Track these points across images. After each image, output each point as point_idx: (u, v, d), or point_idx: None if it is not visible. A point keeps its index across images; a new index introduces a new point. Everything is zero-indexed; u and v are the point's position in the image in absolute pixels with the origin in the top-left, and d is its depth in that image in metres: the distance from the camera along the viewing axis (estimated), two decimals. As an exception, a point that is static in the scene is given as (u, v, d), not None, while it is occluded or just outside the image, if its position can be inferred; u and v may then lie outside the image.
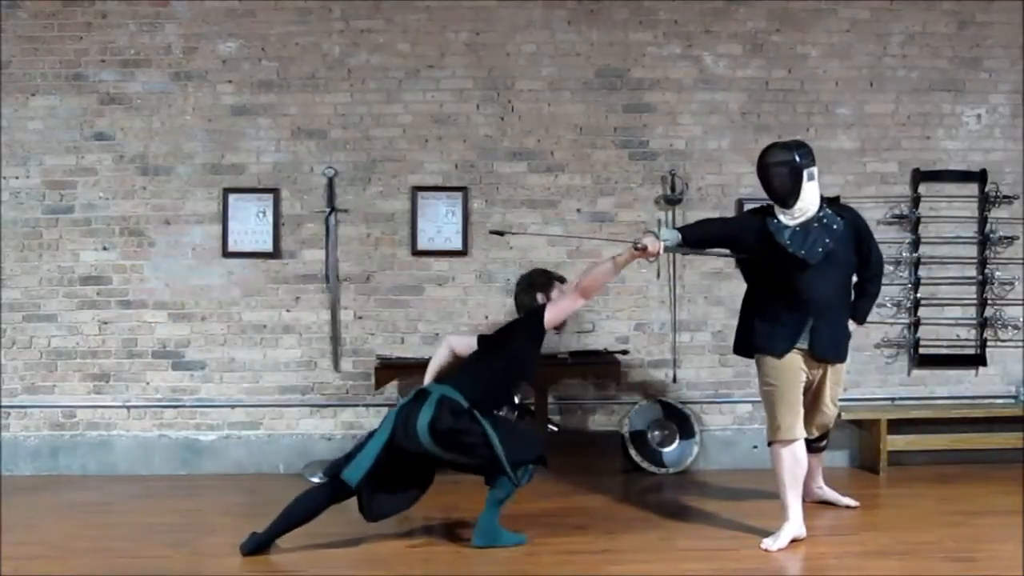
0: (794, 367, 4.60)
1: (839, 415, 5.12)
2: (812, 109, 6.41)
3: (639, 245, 4.54)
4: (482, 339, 4.81)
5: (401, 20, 6.31)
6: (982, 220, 6.41)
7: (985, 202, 6.40)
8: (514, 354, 4.64)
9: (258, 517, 4.68)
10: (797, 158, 4.48)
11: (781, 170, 4.50)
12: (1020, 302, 6.41)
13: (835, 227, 4.55)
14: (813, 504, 5.12)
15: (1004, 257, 6.41)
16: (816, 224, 4.54)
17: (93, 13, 6.26)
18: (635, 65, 6.37)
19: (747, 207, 6.25)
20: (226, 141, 6.29)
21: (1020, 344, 6.43)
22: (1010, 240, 6.39)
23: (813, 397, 4.81)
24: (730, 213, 6.36)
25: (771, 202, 4.64)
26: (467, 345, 4.83)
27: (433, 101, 6.33)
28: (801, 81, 6.41)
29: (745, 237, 4.71)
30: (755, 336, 4.72)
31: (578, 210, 6.37)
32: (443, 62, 6.33)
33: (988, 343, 6.43)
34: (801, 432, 4.62)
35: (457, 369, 4.71)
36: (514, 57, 6.34)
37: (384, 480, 4.45)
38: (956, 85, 6.45)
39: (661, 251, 4.61)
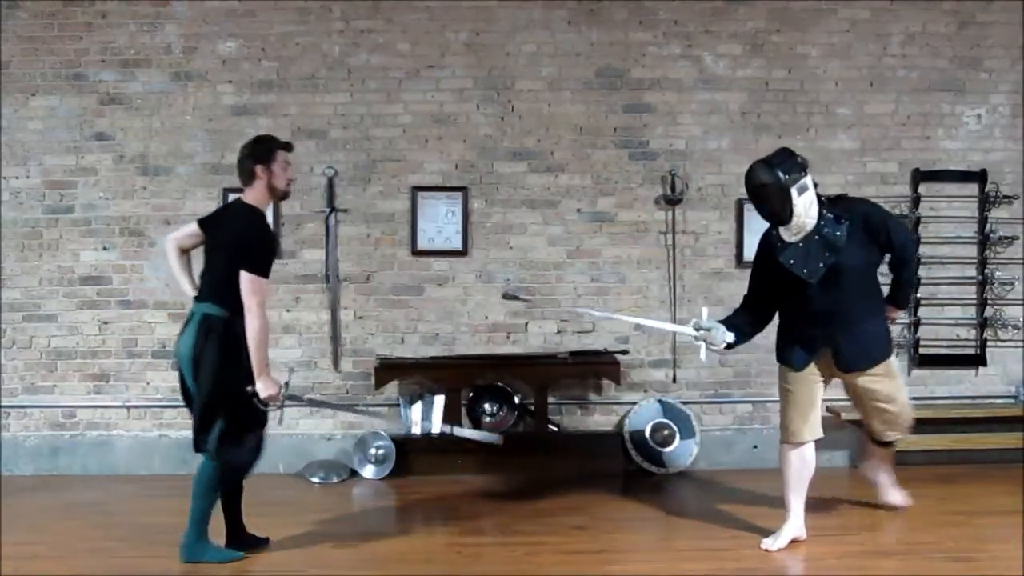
0: (811, 373, 4.57)
1: (909, 411, 4.84)
2: (812, 109, 6.41)
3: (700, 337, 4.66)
4: (202, 224, 4.46)
5: (401, 20, 6.31)
6: (982, 220, 6.41)
7: (985, 202, 6.40)
8: (236, 262, 4.20)
9: (258, 517, 4.68)
10: (781, 175, 4.27)
11: (766, 192, 4.35)
12: (1020, 302, 6.41)
13: (837, 235, 4.36)
14: (813, 499, 5.02)
15: (1004, 257, 6.41)
16: (817, 237, 4.37)
17: (93, 13, 6.26)
18: (635, 65, 6.37)
19: (747, 207, 6.28)
20: (226, 141, 6.29)
21: (1020, 344, 6.43)
22: (1010, 240, 6.39)
23: (862, 399, 4.71)
24: (730, 213, 6.37)
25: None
26: (188, 234, 4.48)
27: (433, 101, 6.33)
28: (801, 81, 6.41)
29: (761, 276, 4.66)
30: (778, 345, 4.69)
31: (578, 210, 6.37)
32: (443, 62, 6.33)
33: (988, 343, 6.43)
34: (811, 435, 4.57)
35: (201, 277, 4.39)
36: (514, 57, 6.35)
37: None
38: (956, 85, 6.45)
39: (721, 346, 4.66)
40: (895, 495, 5.12)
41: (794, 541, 4.54)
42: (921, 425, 6.14)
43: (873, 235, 4.46)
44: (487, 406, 6.27)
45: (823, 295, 4.42)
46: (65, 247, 6.27)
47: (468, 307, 6.36)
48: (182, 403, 4.47)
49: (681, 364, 6.36)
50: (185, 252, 4.50)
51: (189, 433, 6.12)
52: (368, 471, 6.05)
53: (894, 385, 4.69)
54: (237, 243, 4.21)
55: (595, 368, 6.25)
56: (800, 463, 4.57)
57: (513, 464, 6.04)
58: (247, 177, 4.34)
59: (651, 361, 6.39)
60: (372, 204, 6.33)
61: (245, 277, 4.15)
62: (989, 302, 6.41)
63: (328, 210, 6.26)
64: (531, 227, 6.36)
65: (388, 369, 6.10)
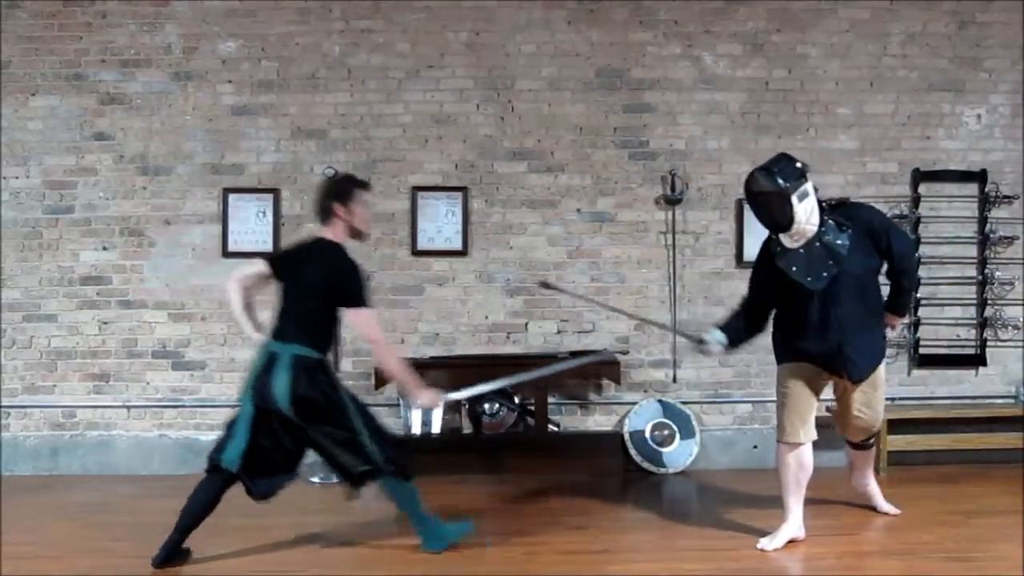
0: (806, 373, 4.50)
1: (880, 418, 4.79)
2: (812, 109, 6.41)
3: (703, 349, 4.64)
4: (272, 262, 4.38)
5: (401, 20, 6.31)
6: (982, 220, 6.42)
7: (985, 202, 6.40)
8: (330, 301, 4.19)
9: (259, 517, 4.68)
10: (781, 183, 4.19)
11: (767, 199, 4.29)
12: (1020, 302, 6.42)
13: (839, 243, 4.27)
14: (812, 499, 5.02)
15: (1004, 257, 6.42)
16: (818, 244, 4.27)
17: (93, 13, 6.27)
18: (635, 65, 6.37)
19: (747, 207, 6.27)
20: (226, 141, 6.30)
21: (1020, 344, 6.43)
22: (1010, 240, 6.40)
23: (844, 404, 4.69)
24: (730, 213, 6.38)
25: None
26: (254, 273, 4.34)
27: (433, 101, 6.33)
28: (801, 81, 6.41)
29: (760, 282, 4.57)
30: (775, 347, 4.62)
31: (578, 210, 6.37)
32: (443, 62, 6.33)
33: (988, 343, 6.43)
34: (806, 436, 4.51)
35: (281, 316, 4.23)
36: (514, 57, 6.35)
37: (262, 456, 4.22)
38: (956, 85, 6.45)
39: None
40: (886, 504, 5.04)
41: (793, 541, 4.53)
42: (921, 425, 6.20)
43: (875, 242, 4.39)
44: (487, 406, 6.27)
45: (826, 304, 4.33)
46: (65, 247, 6.28)
47: (468, 307, 6.36)
48: (245, 431, 4.22)
49: (681, 364, 6.37)
50: (249, 291, 4.36)
51: (188, 433, 6.24)
52: (368, 471, 6.04)
53: (878, 393, 4.65)
54: (334, 282, 4.16)
55: (595, 368, 6.24)
56: (797, 466, 4.54)
57: (513, 464, 6.04)
58: (326, 215, 4.29)
59: (651, 361, 6.39)
60: (372, 204, 6.31)
61: (361, 314, 4.16)
62: (989, 302, 6.41)
63: (328, 210, 6.25)
64: (531, 227, 6.36)
65: (388, 369, 6.10)
